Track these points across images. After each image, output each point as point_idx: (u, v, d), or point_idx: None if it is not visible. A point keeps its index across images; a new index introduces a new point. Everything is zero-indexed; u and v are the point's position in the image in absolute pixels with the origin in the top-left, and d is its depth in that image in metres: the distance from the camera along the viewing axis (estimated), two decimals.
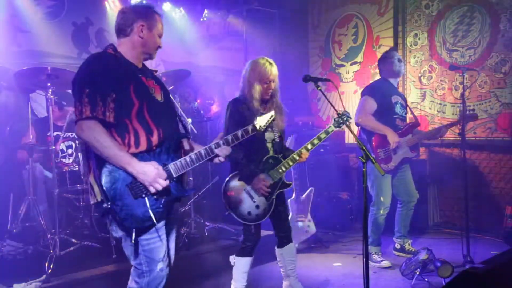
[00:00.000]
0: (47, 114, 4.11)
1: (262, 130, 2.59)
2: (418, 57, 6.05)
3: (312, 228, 4.87)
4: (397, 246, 4.62)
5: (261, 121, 2.58)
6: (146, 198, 2.20)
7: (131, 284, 2.39)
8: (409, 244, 4.57)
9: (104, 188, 2.17)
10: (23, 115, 4.84)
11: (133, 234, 2.21)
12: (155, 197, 2.22)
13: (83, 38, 5.55)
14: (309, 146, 3.32)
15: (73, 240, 3.97)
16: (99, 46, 5.60)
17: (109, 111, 2.19)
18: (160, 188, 2.19)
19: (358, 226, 5.72)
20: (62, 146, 4.65)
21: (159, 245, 2.31)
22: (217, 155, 2.49)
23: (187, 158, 2.36)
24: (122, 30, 2.42)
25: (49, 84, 3.85)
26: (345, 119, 3.18)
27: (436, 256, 3.89)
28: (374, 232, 4.38)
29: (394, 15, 6.26)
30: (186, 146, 2.51)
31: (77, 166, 4.26)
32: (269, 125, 2.95)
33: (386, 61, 4.46)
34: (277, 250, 3.53)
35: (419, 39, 6.04)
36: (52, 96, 3.87)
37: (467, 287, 1.53)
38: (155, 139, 2.29)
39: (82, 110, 2.17)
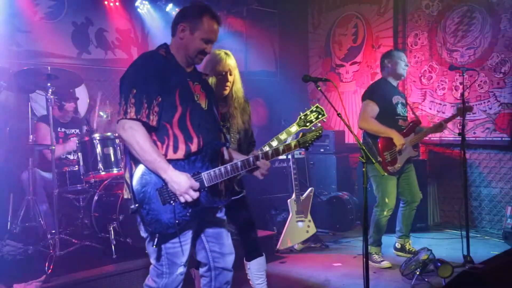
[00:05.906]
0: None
1: (306, 146, 2.44)
2: (418, 57, 6.05)
3: (312, 228, 4.87)
4: (398, 245, 4.61)
5: (307, 137, 2.45)
6: (173, 205, 2.19)
7: (148, 282, 2.38)
8: (409, 244, 4.56)
9: (134, 190, 2.17)
10: (23, 115, 4.85)
11: (156, 239, 2.21)
12: (183, 205, 2.20)
13: (83, 38, 5.55)
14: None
15: (73, 240, 3.96)
16: (99, 46, 5.60)
17: (153, 115, 2.19)
18: (190, 199, 2.17)
19: (358, 226, 5.72)
20: None
21: (179, 250, 2.30)
22: (258, 168, 2.39)
23: (222, 168, 2.28)
24: (171, 29, 2.40)
25: (49, 84, 3.85)
26: (315, 116, 2.59)
27: (436, 256, 3.88)
28: (375, 233, 4.37)
29: (394, 15, 6.27)
30: (225, 155, 2.47)
31: (77, 166, 4.25)
32: (224, 126, 2.86)
33: (392, 60, 4.38)
34: (245, 263, 3.27)
35: (419, 39, 6.04)
36: (52, 96, 3.87)
37: (467, 287, 1.53)
38: (194, 146, 2.26)
39: (127, 110, 2.16)
